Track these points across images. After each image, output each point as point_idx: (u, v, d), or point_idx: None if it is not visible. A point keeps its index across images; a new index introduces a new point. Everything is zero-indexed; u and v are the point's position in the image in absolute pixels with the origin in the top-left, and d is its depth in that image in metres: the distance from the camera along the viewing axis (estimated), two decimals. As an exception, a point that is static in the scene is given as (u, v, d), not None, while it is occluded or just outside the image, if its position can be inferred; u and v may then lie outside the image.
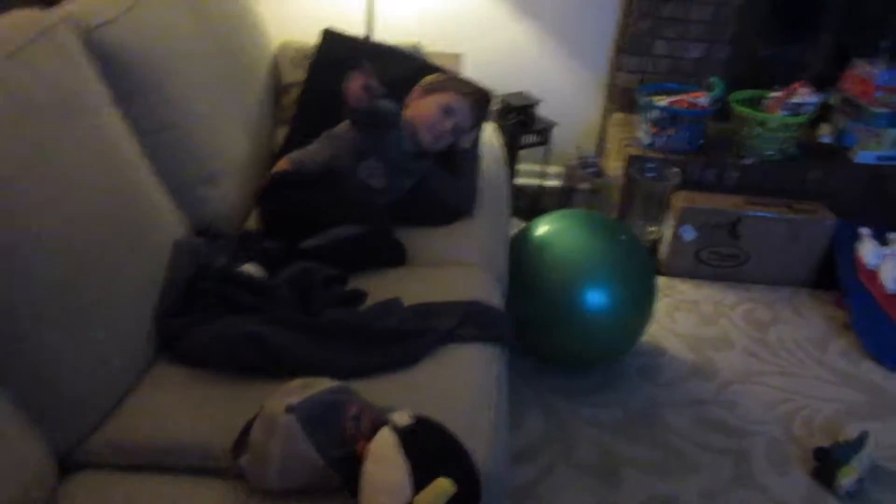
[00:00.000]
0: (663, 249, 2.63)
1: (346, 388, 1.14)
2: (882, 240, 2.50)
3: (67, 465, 1.17)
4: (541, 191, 2.91)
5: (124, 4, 1.48)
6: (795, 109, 2.46)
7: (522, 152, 2.77)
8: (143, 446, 1.19)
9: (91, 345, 1.18)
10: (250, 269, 1.47)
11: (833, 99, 2.65)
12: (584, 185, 2.74)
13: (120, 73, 1.42)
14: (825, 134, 2.67)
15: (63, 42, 1.28)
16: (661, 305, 2.43)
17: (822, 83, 2.63)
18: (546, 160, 2.83)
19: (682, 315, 2.41)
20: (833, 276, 2.48)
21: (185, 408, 1.24)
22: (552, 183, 2.99)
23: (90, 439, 1.19)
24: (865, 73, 2.51)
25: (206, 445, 1.17)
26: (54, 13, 1.34)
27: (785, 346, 2.29)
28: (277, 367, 1.26)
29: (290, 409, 1.06)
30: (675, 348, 2.25)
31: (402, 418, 1.03)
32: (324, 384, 1.13)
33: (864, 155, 2.55)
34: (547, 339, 2.00)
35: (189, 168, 1.60)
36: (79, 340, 1.16)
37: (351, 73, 1.66)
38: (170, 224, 1.48)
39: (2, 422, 1.04)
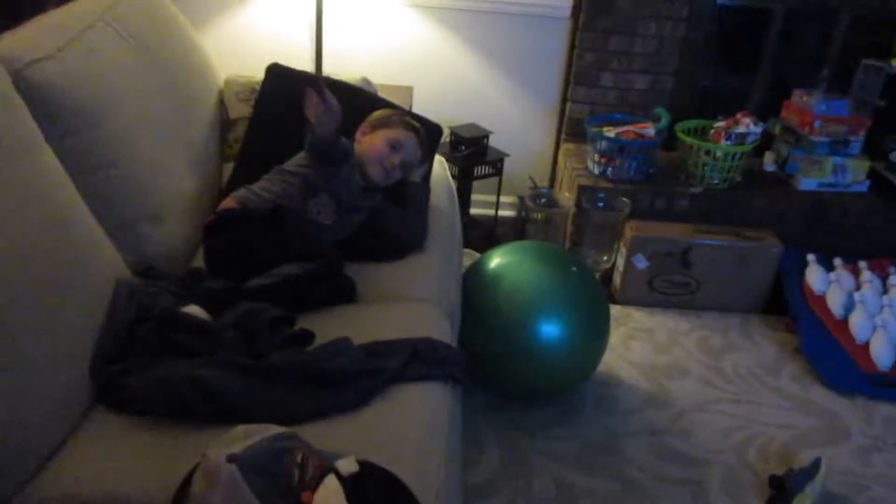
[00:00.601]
0: (617, 278, 2.65)
1: (291, 434, 1.10)
2: (828, 266, 2.56)
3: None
4: (495, 221, 2.92)
5: (58, 41, 1.44)
6: (739, 139, 2.52)
7: (476, 183, 2.78)
8: (78, 498, 1.13)
9: (20, 395, 1.13)
10: (194, 310, 1.42)
11: (775, 128, 2.73)
12: (537, 215, 2.75)
13: (53, 111, 1.37)
14: (769, 162, 2.74)
15: (-7, 81, 1.24)
16: (616, 335, 2.43)
17: (763, 113, 2.70)
18: (500, 191, 2.84)
19: (636, 344, 2.42)
20: (783, 302, 2.53)
21: (123, 458, 1.19)
22: (506, 213, 3.00)
23: (24, 492, 1.13)
24: (803, 104, 2.59)
25: (145, 497, 1.11)
26: (-17, 51, 1.30)
27: (739, 373, 2.31)
28: (221, 413, 1.22)
29: (231, 459, 1.01)
30: (631, 377, 2.25)
31: (348, 465, 0.99)
32: (268, 431, 1.09)
33: (807, 182, 2.61)
34: (502, 372, 1.98)
35: (130, 206, 1.56)
36: (9, 388, 1.11)
37: (307, 89, 1.67)
38: (109, 265, 1.43)
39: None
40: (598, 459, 1.93)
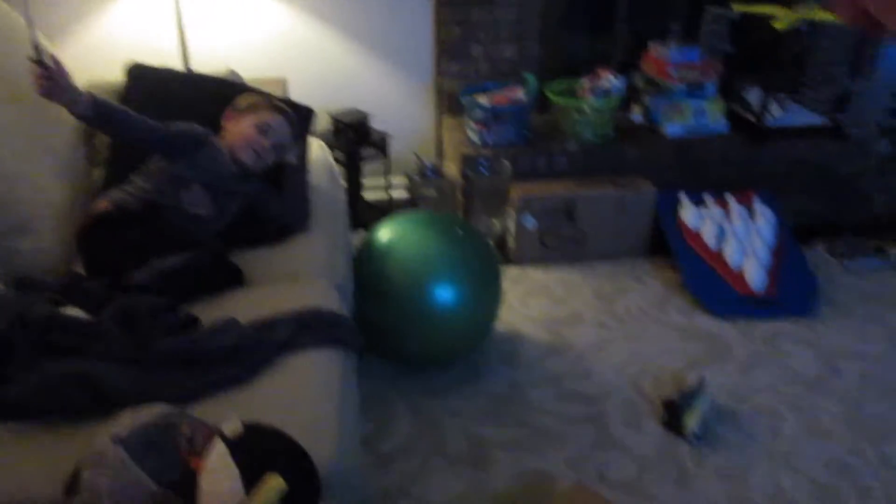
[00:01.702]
0: (510, 241, 2.74)
1: (177, 411, 1.11)
2: (700, 203, 2.73)
3: None
4: (390, 203, 2.96)
5: None
6: (605, 94, 2.65)
7: (367, 168, 2.81)
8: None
9: None
10: (73, 311, 1.40)
11: (637, 81, 2.87)
12: (428, 192, 2.81)
13: None
14: (636, 113, 2.89)
15: None
16: (514, 293, 2.52)
17: (625, 68, 2.84)
18: (388, 172, 2.88)
19: (534, 300, 2.51)
20: (665, 242, 2.68)
21: (10, 463, 1.17)
22: (399, 194, 3.04)
23: None
24: (660, 54, 2.74)
25: (38, 496, 1.10)
26: None
27: (630, 313, 2.44)
28: (109, 406, 1.20)
29: (116, 440, 1.02)
30: (531, 332, 2.34)
31: (232, 427, 1.02)
32: (154, 410, 1.10)
33: (672, 128, 2.77)
34: (403, 341, 2.03)
35: (-9, 220, 1.52)
36: None
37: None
38: (-26, 279, 1.39)
39: None
40: (506, 410, 2.01)
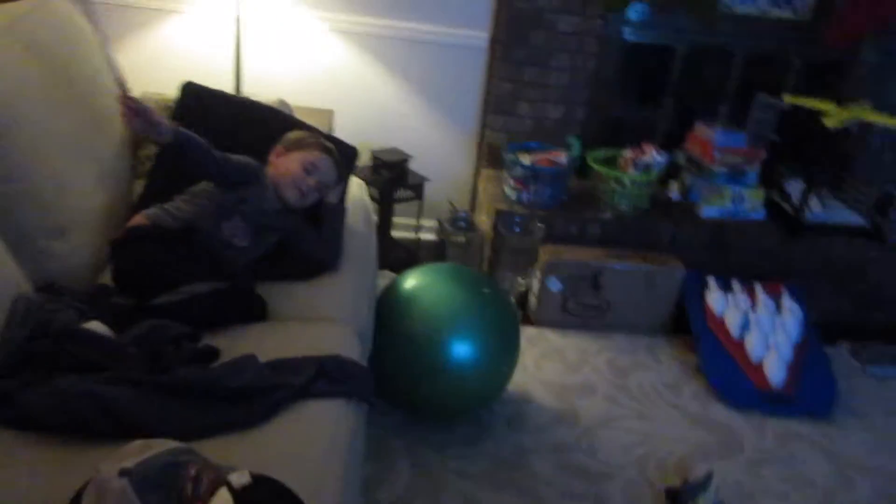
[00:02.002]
0: (532, 301, 2.72)
1: (186, 448, 1.10)
2: (727, 288, 2.70)
3: None
4: (417, 244, 2.97)
5: (-40, 53, 1.43)
6: (646, 168, 2.65)
7: (398, 206, 2.82)
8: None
9: None
10: (95, 326, 1.41)
11: (679, 158, 2.88)
12: (457, 239, 2.81)
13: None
14: (674, 190, 2.88)
15: None
16: (529, 355, 2.50)
17: (669, 144, 2.85)
18: (420, 214, 2.89)
19: (548, 364, 2.49)
20: (686, 323, 2.65)
21: (14, 473, 1.16)
22: (427, 236, 3.05)
23: None
24: (705, 135, 2.75)
25: (35, 516, 1.10)
26: None
27: (643, 391, 2.41)
28: (118, 429, 1.21)
29: (123, 473, 1.01)
30: (542, 396, 2.32)
31: (240, 478, 1.01)
32: (164, 445, 1.09)
33: (709, 210, 2.76)
34: (415, 391, 2.01)
35: (32, 222, 1.54)
36: None
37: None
38: (7, 279, 1.41)
39: None
40: (507, 476, 1.98)
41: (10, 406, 1.24)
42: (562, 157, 2.69)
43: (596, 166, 2.71)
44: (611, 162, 2.77)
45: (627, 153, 2.70)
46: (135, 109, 1.63)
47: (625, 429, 2.22)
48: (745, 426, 2.29)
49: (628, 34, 2.82)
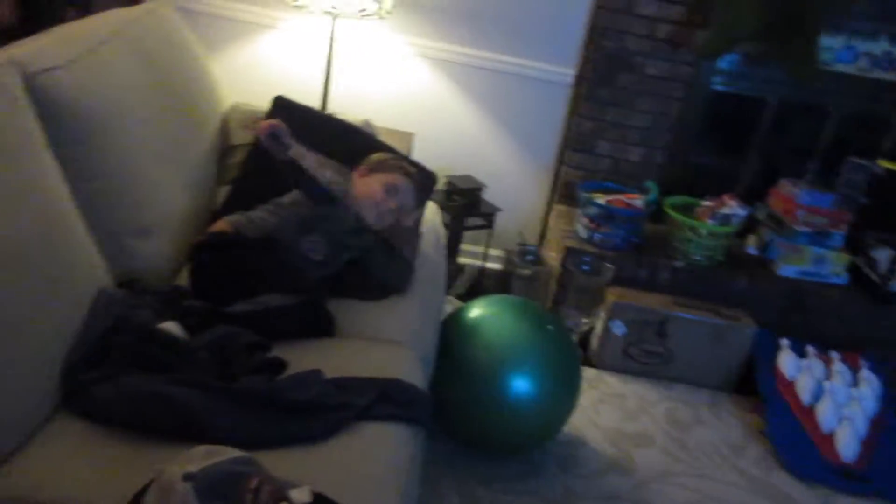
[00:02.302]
0: (594, 342, 2.67)
1: (249, 459, 1.11)
2: (801, 352, 2.60)
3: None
4: (482, 272, 2.96)
5: (74, 53, 1.49)
6: (724, 220, 2.58)
7: (466, 233, 2.82)
8: (34, 500, 1.12)
9: (-11, 391, 1.14)
10: (171, 327, 1.44)
11: (760, 213, 2.80)
12: (523, 271, 2.79)
13: (60, 119, 1.41)
14: (752, 245, 2.80)
15: (4, 83, 1.28)
16: (587, 397, 2.45)
17: (750, 197, 2.78)
18: (489, 243, 2.89)
19: (606, 408, 2.43)
20: (753, 383, 2.56)
21: (81, 465, 1.19)
22: (493, 266, 3.04)
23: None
24: (789, 192, 2.67)
25: (96, 506, 1.12)
26: (0, 54, 1.34)
27: (703, 449, 2.32)
28: (184, 431, 1.22)
29: (187, 477, 1.02)
30: (597, 440, 2.26)
31: (301, 495, 1.01)
32: (228, 453, 1.10)
33: (787, 269, 2.67)
34: (470, 422, 1.99)
35: (120, 219, 1.59)
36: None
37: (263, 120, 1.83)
38: (92, 273, 1.45)
39: None
40: (555, 520, 1.93)
41: (85, 397, 1.27)
42: (638, 200, 2.65)
43: (672, 213, 2.65)
44: (687, 210, 2.71)
45: (706, 203, 2.64)
46: (273, 129, 1.81)
47: (681, 485, 2.14)
48: (810, 499, 2.18)
49: (717, 83, 2.77)
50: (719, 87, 2.78)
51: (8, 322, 1.17)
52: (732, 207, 2.58)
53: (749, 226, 2.77)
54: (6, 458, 1.18)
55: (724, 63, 2.70)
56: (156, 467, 1.06)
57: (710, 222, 2.59)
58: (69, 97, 1.43)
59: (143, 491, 1.07)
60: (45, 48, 1.47)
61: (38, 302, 1.25)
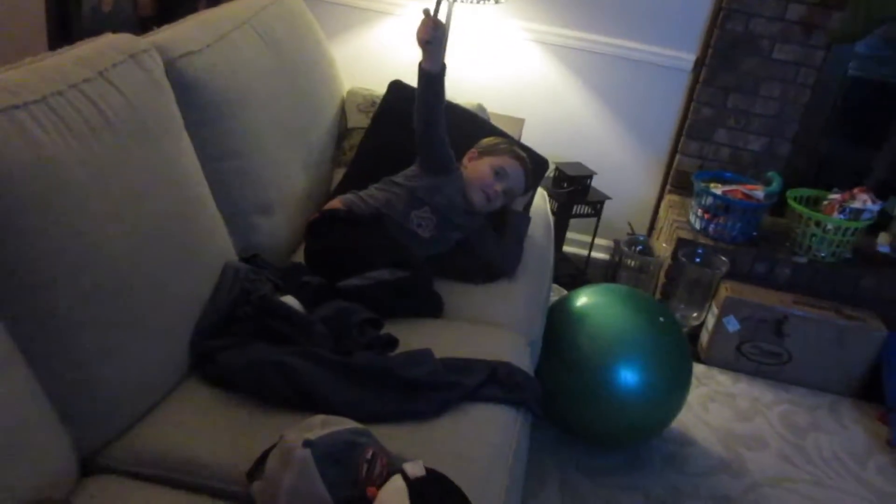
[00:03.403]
0: (705, 337, 2.59)
1: (365, 431, 1.14)
2: (934, 358, 2.42)
3: (89, 467, 1.20)
4: (587, 262, 2.91)
5: (208, 38, 1.57)
6: (854, 214, 2.43)
7: (573, 221, 2.78)
8: (163, 459, 1.21)
9: (129, 354, 1.22)
10: (290, 300, 1.50)
11: (894, 208, 2.61)
12: (630, 262, 2.73)
13: (195, 101, 1.49)
14: (884, 243, 2.62)
15: (149, 67, 1.36)
16: (696, 394, 2.37)
17: (884, 190, 2.59)
18: (596, 232, 2.84)
19: (716, 406, 2.35)
20: (879, 390, 2.40)
21: (208, 427, 1.26)
22: (600, 255, 2.99)
23: (113, 445, 1.22)
24: (930, 186, 2.47)
25: (224, 467, 1.18)
26: (144, 40, 1.43)
27: (822, 455, 2.21)
28: (302, 400, 1.28)
29: (307, 444, 1.06)
30: (706, 439, 2.19)
31: (415, 469, 1.03)
32: (345, 424, 1.14)
33: (923, 268, 2.48)
34: (575, 411, 1.97)
35: (246, 197, 1.66)
36: (119, 348, 1.20)
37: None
38: (220, 248, 1.53)
39: (31, 414, 1.07)
40: (660, 517, 1.89)
41: (212, 365, 1.35)
42: (758, 191, 2.53)
43: (797, 206, 2.52)
44: (812, 203, 2.57)
45: (835, 196, 2.49)
46: (434, 26, 1.72)
47: (798, 493, 2.04)
48: (941, 516, 2.04)
49: (853, 68, 2.60)
50: (855, 73, 2.60)
51: (146, 290, 1.25)
52: (864, 201, 2.42)
53: (881, 222, 2.59)
54: (140, 419, 1.27)
55: (861, 47, 2.52)
56: (278, 434, 1.11)
57: (838, 216, 2.44)
58: (204, 81, 1.51)
59: (266, 454, 1.12)
60: (183, 34, 1.55)
61: (175, 273, 1.33)
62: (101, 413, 1.20)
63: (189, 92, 1.48)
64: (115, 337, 1.19)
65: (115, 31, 1.41)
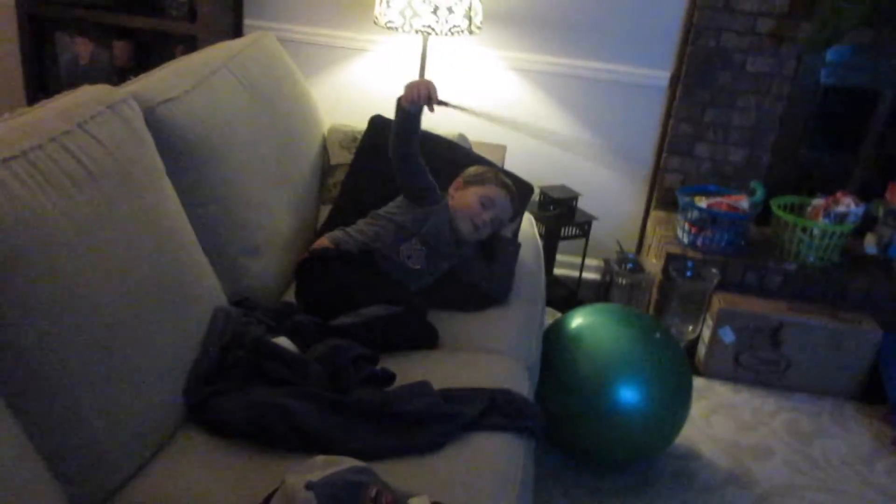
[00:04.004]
0: (701, 350, 2.58)
1: (367, 469, 1.12)
2: (931, 355, 2.42)
3: (87, 525, 1.17)
4: (579, 283, 2.91)
5: (186, 84, 1.57)
6: (839, 218, 2.45)
7: (562, 244, 2.79)
8: (161, 512, 1.18)
9: (123, 406, 1.20)
10: (283, 341, 1.48)
11: (878, 210, 2.63)
12: (622, 280, 2.73)
13: (176, 147, 1.49)
14: (871, 244, 2.63)
15: (128, 116, 1.36)
16: (697, 408, 2.36)
17: (865, 194, 2.62)
18: (586, 253, 2.84)
19: (719, 419, 2.34)
20: (880, 390, 2.39)
21: (207, 475, 1.24)
22: (591, 275, 2.98)
23: (113, 500, 1.19)
24: (910, 186, 2.50)
25: (222, 518, 1.16)
26: (122, 89, 1.43)
27: (829, 461, 2.19)
28: (302, 442, 1.26)
29: (309, 487, 1.04)
30: (712, 453, 2.17)
31: (421, 503, 1.00)
32: (346, 463, 1.12)
33: (911, 267, 2.50)
34: (577, 434, 1.96)
35: (232, 240, 1.65)
36: (112, 401, 1.18)
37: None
38: (210, 293, 1.52)
39: (22, 472, 1.04)
40: (672, 536, 1.86)
41: (208, 411, 1.33)
42: (742, 202, 2.55)
43: (782, 214, 2.53)
44: (796, 210, 2.59)
45: (818, 202, 2.51)
46: (431, 97, 1.75)
47: (808, 500, 2.02)
48: (953, 514, 2.02)
49: (826, 76, 2.63)
50: (829, 81, 2.64)
51: (136, 340, 1.23)
52: (847, 205, 2.44)
53: (866, 224, 2.61)
54: (138, 471, 1.24)
55: (833, 55, 2.57)
56: (280, 477, 1.09)
57: (823, 221, 2.45)
58: (184, 127, 1.51)
59: (269, 500, 1.09)
60: (161, 82, 1.55)
61: (165, 322, 1.31)
62: (92, 468, 1.17)
63: (170, 138, 1.48)
64: (107, 391, 1.17)
65: (92, 82, 1.41)
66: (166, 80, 1.57)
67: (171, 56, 1.98)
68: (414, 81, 1.77)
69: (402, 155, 1.81)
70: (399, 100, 1.78)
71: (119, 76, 2.68)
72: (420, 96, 1.74)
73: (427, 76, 2.65)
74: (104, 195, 1.22)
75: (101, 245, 1.19)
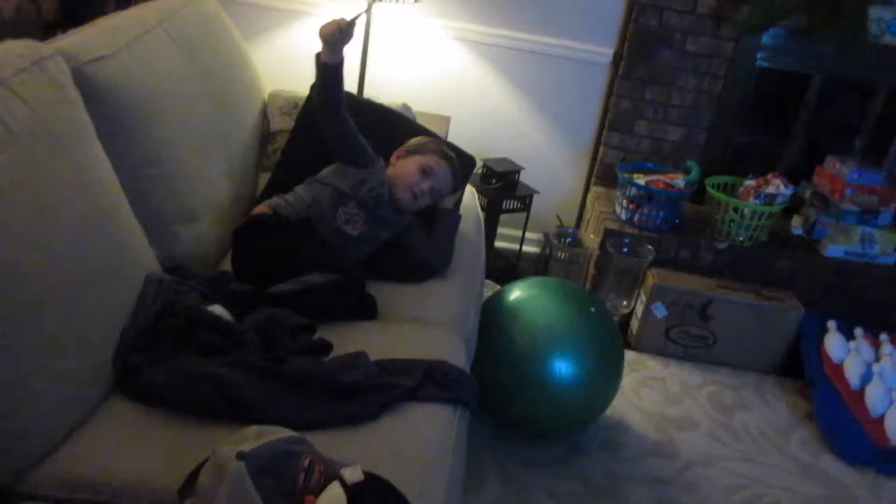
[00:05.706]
0: (634, 324, 2.65)
1: (301, 439, 1.12)
2: (848, 334, 2.54)
3: (8, 496, 1.13)
4: (519, 256, 2.95)
5: (117, 43, 1.51)
6: (768, 199, 2.53)
7: (503, 216, 2.81)
8: (89, 481, 1.16)
9: (44, 375, 1.16)
10: (218, 310, 1.46)
11: (805, 192, 2.74)
12: (560, 254, 2.78)
13: (106, 108, 1.43)
14: (797, 225, 2.74)
15: (54, 74, 1.30)
16: (628, 380, 2.43)
17: (794, 175, 2.72)
18: (526, 226, 2.87)
19: (648, 392, 2.42)
20: (800, 365, 2.51)
21: (135, 445, 1.22)
22: (531, 249, 3.02)
23: (35, 471, 1.16)
24: (836, 171, 2.60)
25: (153, 485, 1.14)
26: (48, 45, 1.36)
27: (748, 432, 2.29)
28: (235, 412, 1.25)
29: (241, 456, 1.04)
30: (639, 424, 2.25)
31: (353, 474, 1.02)
32: (279, 433, 1.12)
33: (833, 249, 2.61)
34: (511, 404, 1.99)
35: (166, 206, 1.61)
36: (31, 370, 1.14)
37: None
38: (141, 259, 1.48)
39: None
40: (597, 501, 1.92)
41: (137, 380, 1.30)
42: (678, 180, 2.61)
43: (714, 193, 2.61)
44: (729, 190, 2.67)
45: (750, 182, 2.59)
46: (343, 30, 1.73)
47: (727, 470, 2.12)
48: (860, 483, 2.14)
49: (761, 59, 2.70)
50: (763, 64, 2.72)
51: (62, 307, 1.20)
52: (777, 186, 2.53)
53: (794, 205, 2.71)
54: (62, 441, 1.21)
55: (768, 38, 2.63)
56: (211, 447, 1.08)
57: (753, 202, 2.54)
58: (115, 87, 1.46)
59: (198, 470, 1.09)
60: (91, 39, 1.49)
61: (91, 288, 1.27)
62: (14, 439, 1.13)
63: (99, 99, 1.42)
64: (31, 359, 1.13)
65: (16, 37, 1.34)
66: (96, 37, 1.50)
67: (102, 13, 1.89)
68: (323, 25, 1.75)
69: (331, 115, 1.80)
70: (318, 55, 1.76)
71: (46, 32, 2.54)
72: (342, 31, 1.73)
73: (372, 44, 2.61)
74: (28, 155, 1.17)
75: (25, 205, 1.14)
